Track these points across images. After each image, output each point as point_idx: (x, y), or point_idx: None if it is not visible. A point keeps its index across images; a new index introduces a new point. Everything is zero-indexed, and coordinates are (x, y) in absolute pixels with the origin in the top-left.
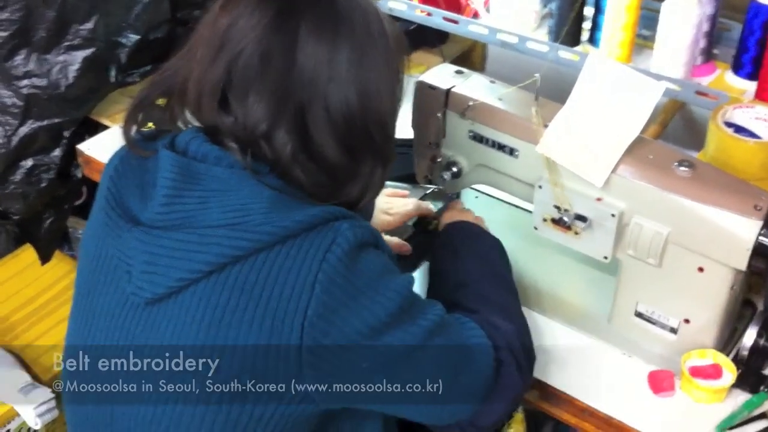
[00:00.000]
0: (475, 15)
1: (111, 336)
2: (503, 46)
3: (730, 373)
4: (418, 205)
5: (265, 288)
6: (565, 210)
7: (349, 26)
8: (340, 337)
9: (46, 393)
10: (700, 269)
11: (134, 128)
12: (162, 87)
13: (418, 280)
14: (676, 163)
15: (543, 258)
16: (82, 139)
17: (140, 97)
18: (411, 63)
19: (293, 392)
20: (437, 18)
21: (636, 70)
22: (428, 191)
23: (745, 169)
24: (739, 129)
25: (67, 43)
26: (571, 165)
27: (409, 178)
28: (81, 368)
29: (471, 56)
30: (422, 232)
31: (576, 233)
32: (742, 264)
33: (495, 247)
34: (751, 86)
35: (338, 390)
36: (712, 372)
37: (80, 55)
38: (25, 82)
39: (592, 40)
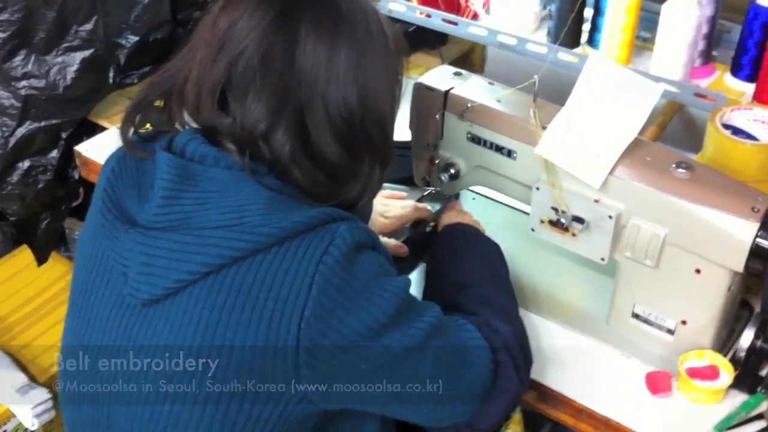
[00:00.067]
0: (475, 17)
1: (108, 337)
2: (502, 48)
3: (727, 374)
4: (415, 209)
5: (263, 289)
6: (563, 212)
7: (349, 27)
8: (337, 338)
9: (43, 394)
10: (698, 271)
11: (132, 129)
12: (161, 88)
13: (415, 281)
14: (674, 165)
15: (540, 260)
16: (80, 141)
17: (138, 98)
18: (410, 64)
19: (291, 393)
20: (436, 19)
21: (635, 72)
22: (426, 193)
23: (743, 171)
24: (737, 131)
25: (66, 45)
26: (569, 167)
27: (407, 181)
28: (78, 369)
29: (470, 58)
30: (419, 234)
31: (573, 235)
32: (740, 265)
33: (493, 249)
34: (749, 88)
35: (336, 391)
36: (710, 373)
37: (79, 56)
38: (24, 83)
39: (592, 41)
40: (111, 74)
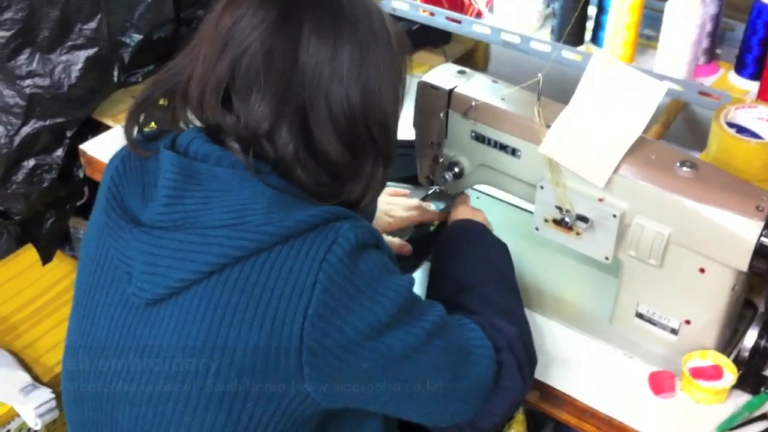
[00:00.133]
0: (478, 15)
1: (111, 336)
2: (506, 46)
3: (730, 374)
4: (420, 212)
5: (266, 288)
6: (567, 210)
7: (352, 25)
8: (340, 337)
9: (46, 393)
10: (702, 270)
11: (136, 128)
12: (164, 86)
13: (419, 280)
14: (678, 164)
15: (544, 258)
16: (84, 139)
17: (142, 96)
18: (414, 63)
19: (294, 392)
20: (440, 18)
21: (639, 70)
22: (430, 191)
23: (747, 169)
24: (741, 129)
25: (70, 43)
26: (573, 165)
27: (411, 180)
28: (81, 368)
29: (474, 56)
30: (423, 233)
31: (577, 234)
32: (744, 265)
33: (498, 248)
34: (753, 86)
35: (338, 390)
36: (713, 373)
37: (83, 54)
38: (28, 81)
39: (595, 40)
40: (115, 73)
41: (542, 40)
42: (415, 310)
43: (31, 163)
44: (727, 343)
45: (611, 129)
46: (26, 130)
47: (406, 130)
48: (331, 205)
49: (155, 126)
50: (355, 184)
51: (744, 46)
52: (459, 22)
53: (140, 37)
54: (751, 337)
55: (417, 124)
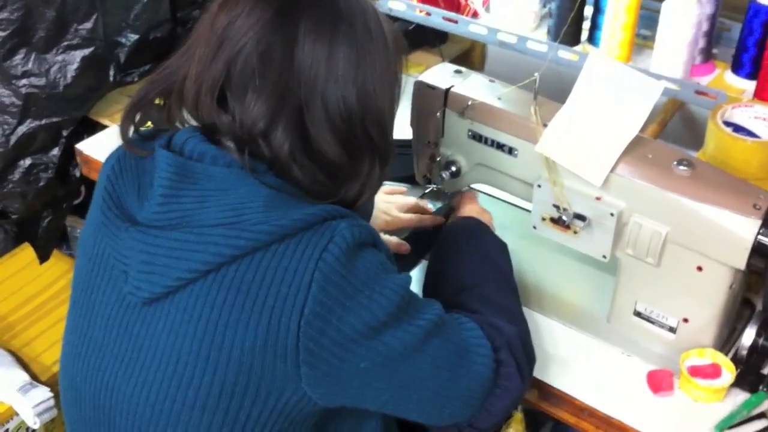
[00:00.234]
0: (475, 15)
1: (108, 335)
2: (502, 46)
3: (729, 372)
4: (419, 219)
5: (262, 287)
6: (564, 209)
7: (348, 25)
8: (337, 336)
9: (44, 392)
10: (699, 268)
11: (132, 128)
12: (160, 86)
13: (416, 279)
14: (675, 163)
15: (542, 257)
16: (80, 139)
17: (138, 96)
18: (410, 63)
19: (291, 391)
20: (436, 18)
21: (636, 70)
22: (427, 190)
23: (744, 168)
24: (738, 128)
25: (66, 43)
26: (570, 164)
27: (408, 179)
28: (79, 367)
29: (470, 56)
30: (421, 232)
31: (575, 232)
32: (741, 263)
33: (499, 247)
34: (750, 86)
35: (335, 389)
36: (711, 371)
37: (79, 54)
38: (24, 81)
39: (592, 39)
40: (111, 72)
41: (539, 40)
42: (413, 309)
43: (28, 162)
44: (725, 341)
45: (608, 128)
46: (22, 129)
47: (403, 129)
48: (328, 204)
49: (151, 125)
50: (352, 183)
51: (740, 46)
52: (455, 22)
53: (136, 36)
54: (749, 336)
55: (414, 123)
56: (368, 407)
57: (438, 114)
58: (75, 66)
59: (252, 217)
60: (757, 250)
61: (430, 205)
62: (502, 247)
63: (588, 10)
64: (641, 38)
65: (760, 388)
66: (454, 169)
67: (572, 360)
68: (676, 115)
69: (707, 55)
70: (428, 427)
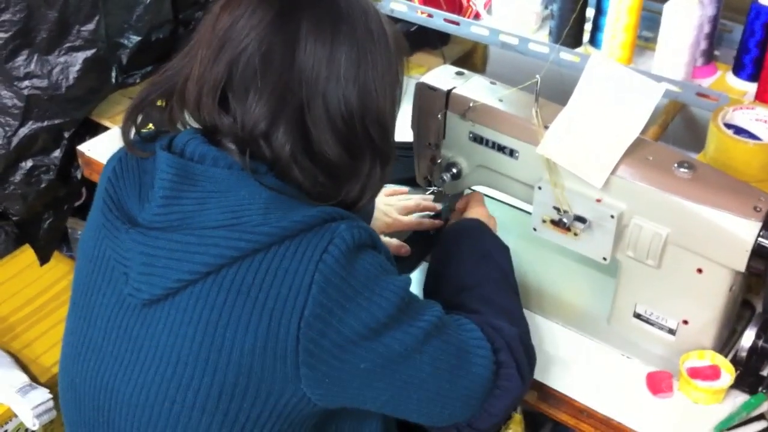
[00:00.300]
0: (476, 16)
1: (108, 337)
2: (504, 48)
3: (728, 374)
4: (419, 223)
5: (262, 289)
6: (565, 211)
7: (350, 26)
8: (337, 337)
9: (44, 394)
10: (699, 270)
11: (133, 129)
12: (162, 87)
13: (416, 280)
14: (675, 165)
15: (542, 259)
16: (82, 140)
17: (139, 97)
18: (412, 64)
19: (290, 393)
20: (438, 19)
21: (637, 72)
22: (428, 192)
23: (745, 170)
24: (739, 130)
25: (68, 44)
26: (571, 166)
27: (409, 182)
28: (78, 369)
29: (472, 57)
30: (421, 234)
31: (575, 234)
32: (741, 265)
33: (499, 249)
34: (751, 88)
35: (335, 390)
36: (711, 373)
37: (81, 56)
38: (26, 83)
39: (594, 41)
40: (113, 74)
41: (540, 41)
42: (413, 310)
43: (29, 163)
44: (725, 343)
45: (609, 130)
46: (24, 131)
47: (404, 131)
48: (329, 205)
49: (152, 127)
50: (352, 185)
51: (742, 48)
52: (457, 23)
53: (138, 38)
54: (748, 338)
55: (415, 125)
56: (368, 408)
57: (439, 116)
58: (77, 67)
59: (252, 218)
60: (758, 252)
61: (435, 205)
62: (504, 247)
63: (590, 12)
64: (643, 40)
65: (760, 389)
66: (455, 171)
67: (572, 361)
68: (677, 117)
69: (709, 57)
70: (428, 428)
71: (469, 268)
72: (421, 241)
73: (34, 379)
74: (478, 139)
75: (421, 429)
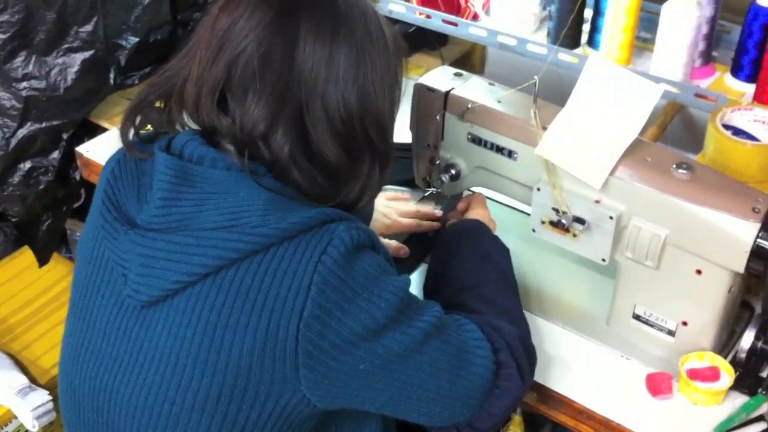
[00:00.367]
0: (475, 17)
1: (107, 338)
2: (502, 49)
3: (727, 375)
4: (417, 224)
5: (261, 290)
6: (564, 212)
7: (348, 27)
8: (336, 338)
9: (43, 395)
10: (698, 271)
11: (132, 130)
12: (160, 89)
13: (416, 282)
14: (674, 166)
15: (541, 260)
16: (81, 142)
17: (138, 98)
18: (410, 65)
19: (289, 394)
20: (436, 20)
21: (635, 73)
22: (427, 194)
23: (744, 171)
24: (737, 131)
25: (66, 45)
26: (570, 167)
27: (408, 183)
28: (77, 370)
29: (470, 58)
30: (421, 236)
31: (574, 235)
32: (740, 266)
33: (500, 248)
34: (750, 89)
35: (334, 392)
36: (710, 374)
37: (80, 57)
38: (25, 84)
39: (592, 42)
40: (111, 75)
41: (539, 42)
42: (412, 311)
43: (28, 165)
44: (724, 344)
45: (608, 131)
46: (22, 132)
47: (402, 132)
48: (328, 206)
49: (151, 128)
50: (352, 186)
51: (740, 49)
52: (455, 24)
53: (137, 39)
54: (747, 339)
55: (413, 126)
56: (367, 409)
57: (438, 117)
58: (75, 69)
59: (251, 220)
60: (756, 253)
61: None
62: (503, 248)
63: (588, 13)
64: (641, 41)
65: (759, 391)
66: (453, 172)
67: (571, 363)
68: (676, 118)
69: (707, 58)
70: (427, 428)
71: (470, 269)
72: (420, 243)
73: (33, 380)
74: (476, 140)
75: (421, 429)
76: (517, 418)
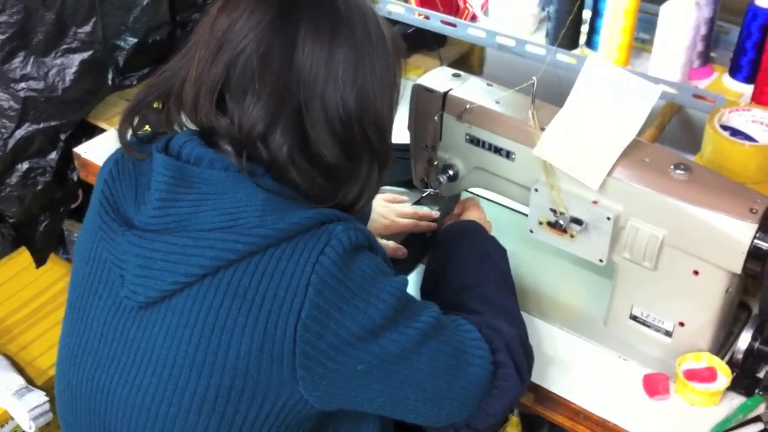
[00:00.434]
0: (473, 18)
1: (104, 339)
2: (501, 50)
3: (724, 376)
4: (415, 225)
5: (259, 291)
6: (561, 213)
7: (348, 28)
8: (333, 339)
9: (40, 396)
10: (696, 272)
11: (130, 131)
12: (159, 89)
13: (414, 283)
14: (672, 166)
15: (539, 261)
16: (78, 142)
17: (137, 99)
18: (409, 66)
19: (287, 395)
20: (435, 21)
21: (634, 74)
22: (425, 194)
23: (742, 172)
24: (735, 132)
25: (65, 46)
26: (568, 168)
27: (407, 184)
28: (74, 371)
29: (469, 59)
30: (418, 236)
31: (572, 236)
32: (738, 267)
33: (498, 248)
34: (748, 89)
35: (332, 392)
36: (707, 375)
37: (78, 57)
38: (23, 84)
39: (590, 43)
40: (110, 76)
41: (537, 43)
42: (410, 311)
43: (26, 165)
44: (721, 345)
45: (606, 132)
46: (20, 133)
47: (401, 133)
48: (326, 207)
49: (149, 129)
50: (350, 187)
51: (738, 49)
52: (454, 25)
53: (135, 40)
54: (745, 339)
55: (412, 126)
56: (365, 409)
57: (436, 117)
58: (74, 69)
59: (249, 220)
60: (754, 253)
61: (430, 211)
62: (501, 249)
63: (586, 14)
64: (639, 42)
65: (756, 391)
66: (451, 172)
67: (568, 363)
68: (674, 119)
69: (705, 59)
70: (425, 428)
71: (469, 268)
72: (418, 244)
73: (30, 381)
74: (474, 141)
75: (419, 429)
76: (514, 419)
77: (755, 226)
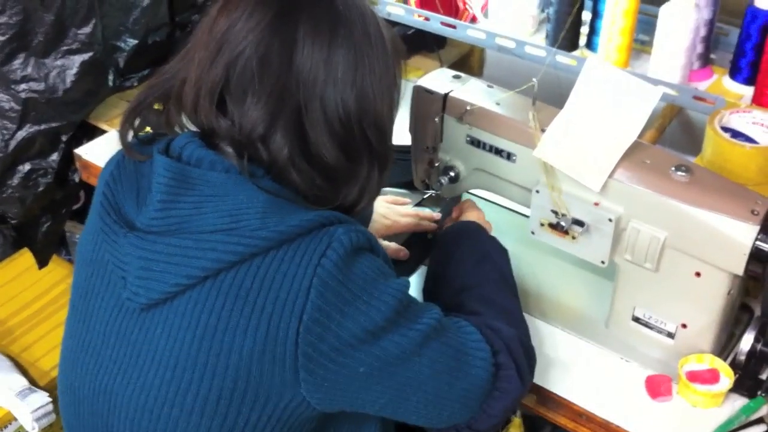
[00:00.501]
0: (473, 20)
1: (106, 341)
2: (501, 51)
3: (727, 377)
4: (416, 224)
5: (260, 293)
6: (563, 214)
7: (347, 29)
8: (335, 341)
9: (43, 397)
10: (697, 274)
11: (131, 132)
12: (159, 90)
13: (415, 284)
14: (673, 168)
15: (540, 262)
16: (79, 144)
17: (137, 100)
18: (409, 67)
19: (289, 397)
20: (435, 23)
21: (633, 75)
22: (426, 196)
23: (742, 173)
24: (736, 134)
25: (65, 48)
26: (569, 169)
27: (407, 185)
28: (77, 373)
29: (469, 61)
30: (420, 238)
31: (573, 238)
32: (739, 269)
33: (498, 249)
34: (748, 91)
35: (334, 394)
36: (710, 377)
37: (78, 59)
38: (23, 86)
39: (590, 44)
40: (110, 77)
41: (537, 44)
42: (411, 313)
43: (27, 167)
44: (724, 346)
45: (606, 133)
46: (21, 134)
47: (401, 134)
48: (327, 209)
49: (150, 130)
50: (350, 188)
51: (738, 51)
52: (454, 27)
53: (135, 41)
54: (747, 341)
55: (412, 128)
56: (367, 411)
57: (436, 119)
58: (74, 71)
59: (250, 222)
60: (755, 255)
61: (431, 212)
62: (502, 249)
63: (586, 15)
64: (639, 43)
65: (759, 393)
66: (452, 174)
67: (570, 365)
68: (674, 121)
69: (705, 60)
70: (427, 430)
71: (469, 269)
72: (420, 245)
73: (33, 382)
74: (475, 143)
75: (420, 430)
76: (516, 420)
77: (757, 228)
